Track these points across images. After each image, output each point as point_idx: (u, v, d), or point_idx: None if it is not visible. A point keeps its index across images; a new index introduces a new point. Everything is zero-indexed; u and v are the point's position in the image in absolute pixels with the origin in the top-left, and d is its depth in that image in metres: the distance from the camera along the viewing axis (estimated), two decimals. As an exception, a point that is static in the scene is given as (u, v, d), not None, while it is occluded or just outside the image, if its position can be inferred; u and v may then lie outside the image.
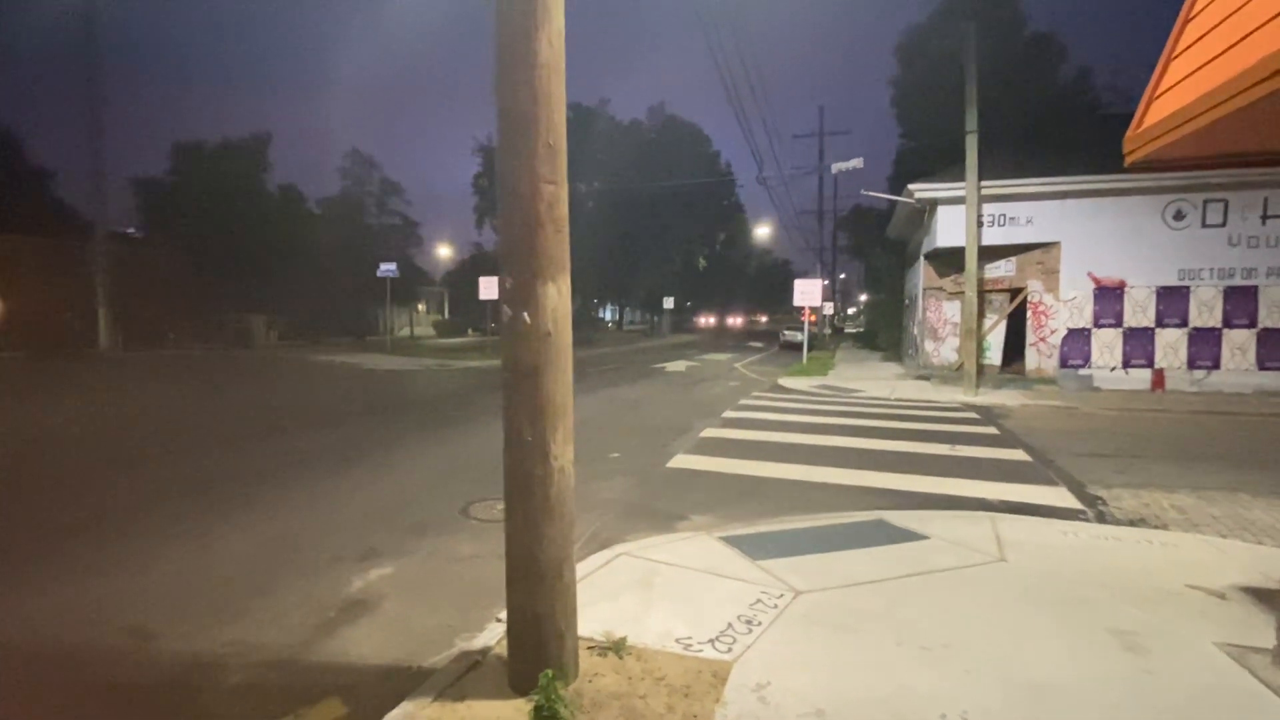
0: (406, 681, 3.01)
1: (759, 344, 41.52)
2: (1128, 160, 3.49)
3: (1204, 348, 14.68)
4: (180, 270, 31.34)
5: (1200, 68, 2.86)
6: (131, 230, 34.02)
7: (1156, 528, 5.30)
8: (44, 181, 31.15)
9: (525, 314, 2.68)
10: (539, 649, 2.74)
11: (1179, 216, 14.64)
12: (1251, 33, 2.52)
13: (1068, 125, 20.14)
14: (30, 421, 10.65)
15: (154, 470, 7.13)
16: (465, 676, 2.88)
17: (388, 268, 26.37)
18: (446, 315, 54.01)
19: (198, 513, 5.57)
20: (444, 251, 47.40)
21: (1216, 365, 14.61)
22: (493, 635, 3.24)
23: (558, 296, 2.74)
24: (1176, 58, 3.12)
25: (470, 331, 47.27)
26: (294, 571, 4.35)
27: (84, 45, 27.07)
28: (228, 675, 3.14)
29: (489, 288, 22.98)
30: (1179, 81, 3.04)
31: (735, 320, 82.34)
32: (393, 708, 2.65)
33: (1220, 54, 2.71)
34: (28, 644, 3.45)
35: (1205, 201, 14.46)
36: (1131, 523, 5.45)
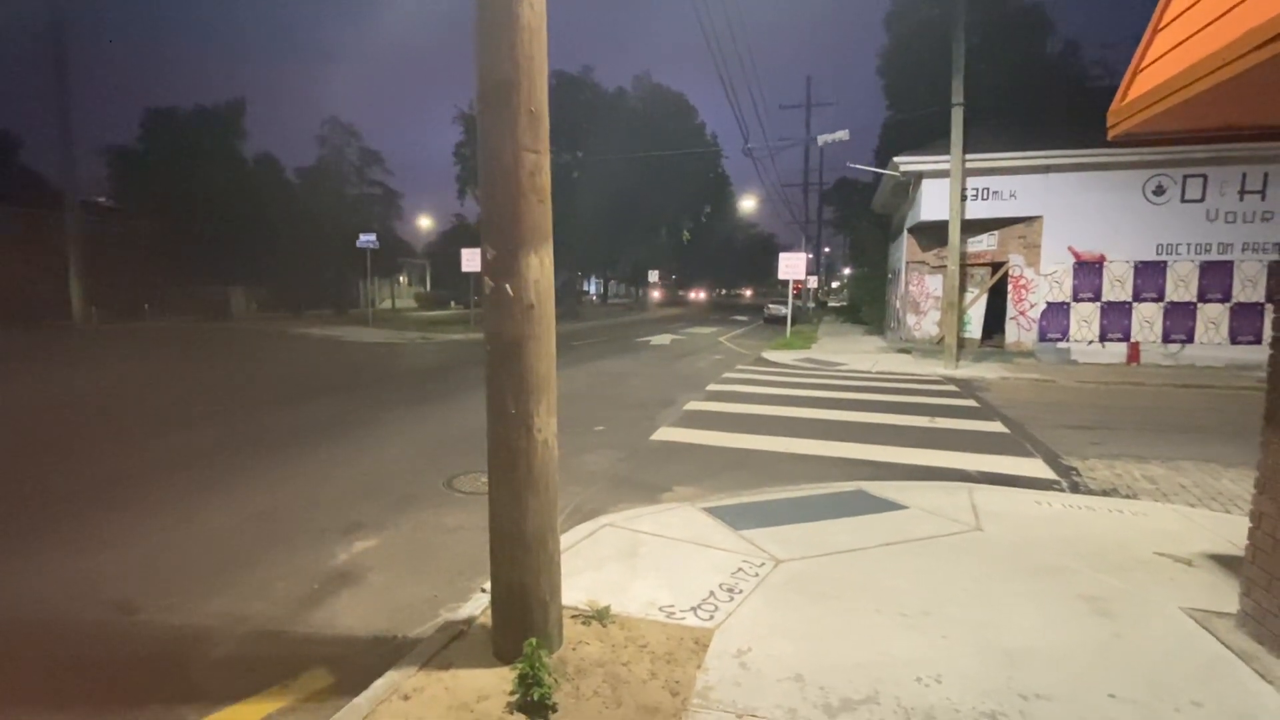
0: (392, 651, 3.04)
1: (743, 317, 41.61)
2: (1111, 133, 3.49)
3: (1179, 322, 14.93)
4: (156, 240, 30.63)
5: (1185, 40, 2.85)
6: (104, 199, 33.11)
7: (1128, 497, 5.43)
8: (11, 148, 30.18)
9: (508, 286, 2.65)
10: (523, 618, 2.76)
11: (1159, 191, 14.76)
12: (1236, 5, 2.51)
13: (1054, 99, 20.16)
14: (4, 396, 10.45)
15: (133, 445, 7.04)
16: (450, 646, 2.91)
17: (367, 238, 25.91)
18: (428, 287, 53.47)
19: (180, 487, 5.53)
20: (426, 223, 46.75)
21: (1190, 339, 14.88)
22: (477, 606, 3.27)
23: (540, 268, 2.71)
24: (1162, 30, 3.11)
25: (453, 304, 46.86)
26: (279, 545, 4.34)
27: (48, 5, 26.04)
28: (214, 647, 3.14)
29: (471, 260, 22.68)
30: (1164, 54, 3.03)
31: (719, 293, 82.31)
32: (378, 677, 2.67)
33: (1205, 27, 2.71)
34: (10, 618, 3.42)
35: (1185, 177, 14.58)
36: (1104, 493, 5.59)
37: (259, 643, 3.19)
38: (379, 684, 2.62)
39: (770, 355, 16.82)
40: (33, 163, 30.56)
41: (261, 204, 32.83)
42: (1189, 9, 2.87)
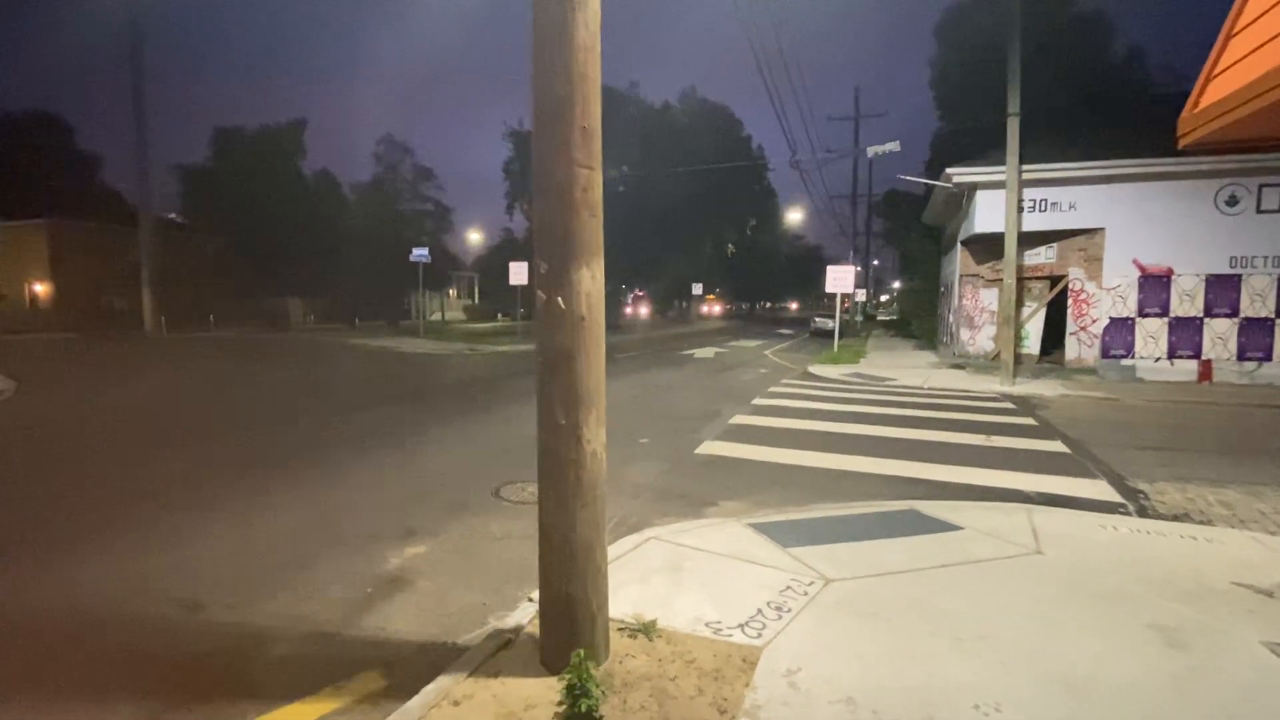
0: (442, 657, 3.09)
1: (788, 331, 41.17)
2: (1181, 142, 3.36)
3: (1255, 338, 14.12)
4: (220, 254, 32.21)
5: (1263, 45, 2.73)
6: (174, 216, 34.95)
7: (1202, 523, 5.15)
8: (92, 167, 32.19)
9: (559, 299, 2.69)
10: (571, 629, 2.78)
11: (1232, 202, 14.04)
12: (1321, 7, 2.39)
13: (1116, 107, 19.41)
14: (89, 400, 11.08)
15: (199, 448, 7.37)
16: (499, 654, 2.94)
17: (420, 253, 26.68)
18: (477, 300, 54.57)
19: (241, 490, 5.76)
20: (475, 237, 47.79)
21: (1268, 357, 14.05)
22: (525, 614, 3.30)
23: (591, 281, 2.75)
24: (1237, 34, 2.98)
25: (500, 316, 47.74)
26: (334, 548, 4.47)
27: (129, 32, 27.77)
28: (272, 646, 3.25)
29: (519, 273, 23.14)
30: (1240, 59, 2.91)
31: (763, 306, 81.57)
32: (429, 682, 2.72)
33: (1286, 30, 2.59)
34: (83, 612, 3.61)
35: (1261, 186, 13.82)
36: (1175, 517, 5.30)
37: (315, 644, 3.29)
38: (429, 689, 2.67)
39: (817, 370, 16.58)
40: (111, 180, 32.55)
41: (319, 219, 34.18)
42: (1267, 11, 2.75)
